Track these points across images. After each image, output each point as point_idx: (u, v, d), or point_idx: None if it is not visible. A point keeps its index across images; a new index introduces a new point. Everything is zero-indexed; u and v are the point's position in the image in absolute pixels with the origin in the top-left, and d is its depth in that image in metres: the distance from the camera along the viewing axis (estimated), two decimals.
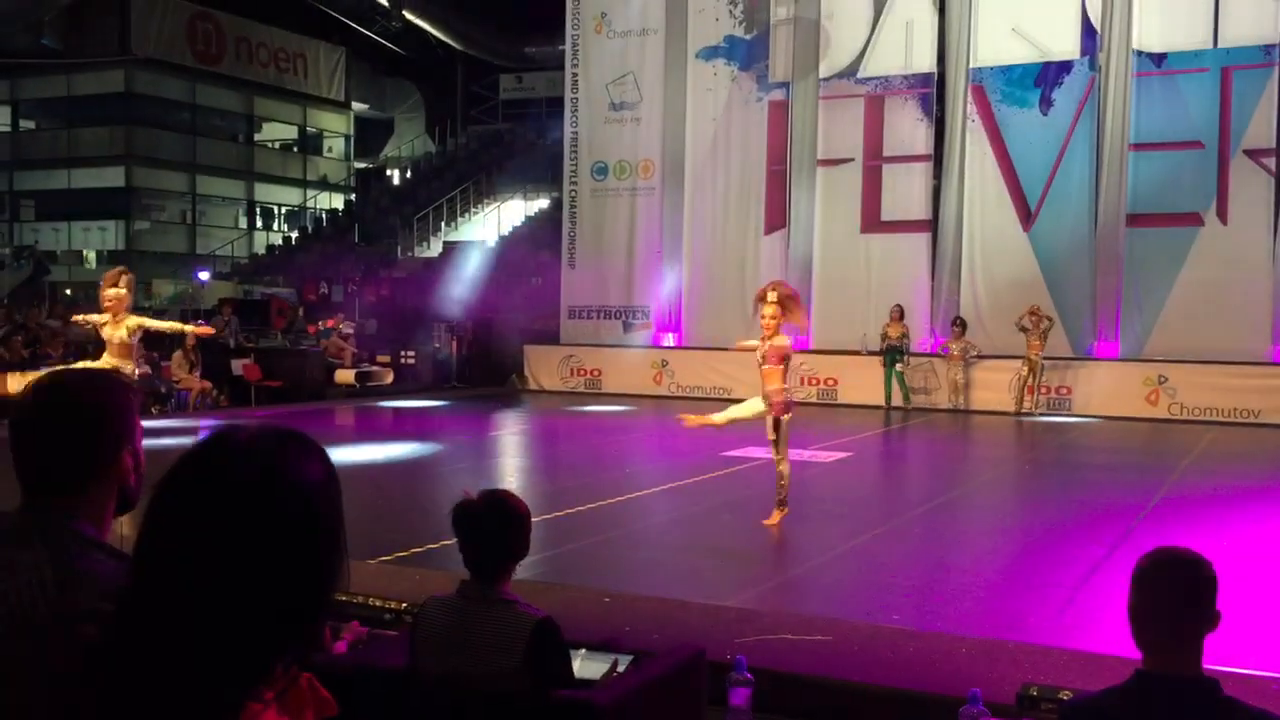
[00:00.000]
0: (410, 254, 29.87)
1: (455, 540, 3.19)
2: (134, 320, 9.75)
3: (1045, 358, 16.74)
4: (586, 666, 3.42)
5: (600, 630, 4.21)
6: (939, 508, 9.74)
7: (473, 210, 32.53)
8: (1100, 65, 17.59)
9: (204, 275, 28.47)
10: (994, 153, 18.34)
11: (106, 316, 9.60)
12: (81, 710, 1.37)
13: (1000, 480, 11.89)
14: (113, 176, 32.98)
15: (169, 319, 14.86)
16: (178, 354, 17.02)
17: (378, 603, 4.65)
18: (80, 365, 10.78)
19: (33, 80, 32.82)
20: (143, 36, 31.91)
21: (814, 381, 18.63)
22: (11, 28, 28.78)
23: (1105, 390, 16.95)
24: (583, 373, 20.51)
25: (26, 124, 35.07)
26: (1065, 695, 3.42)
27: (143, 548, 1.31)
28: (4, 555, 1.62)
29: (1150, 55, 17.42)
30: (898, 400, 17.49)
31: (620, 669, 3.43)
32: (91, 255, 34.09)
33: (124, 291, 9.71)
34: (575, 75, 21.42)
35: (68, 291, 29.21)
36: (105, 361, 9.50)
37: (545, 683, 3.05)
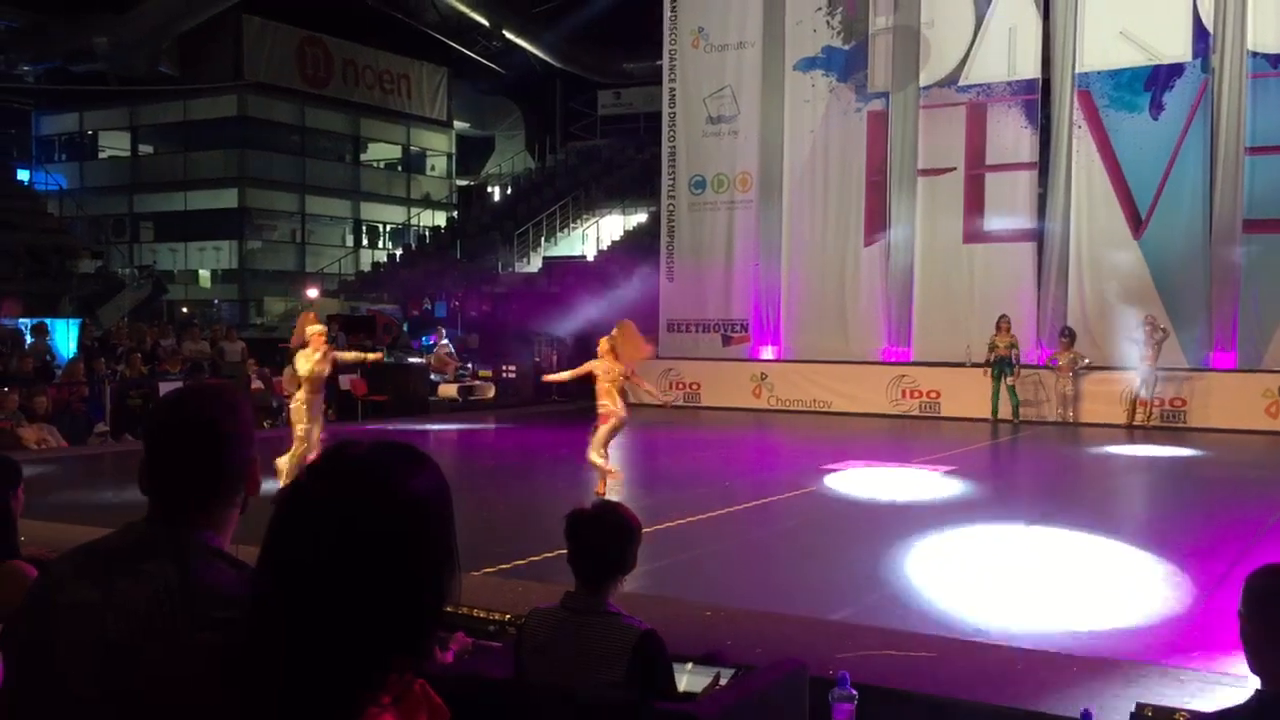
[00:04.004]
0: (511, 269, 30.27)
1: (558, 552, 3.23)
2: (333, 355, 10.32)
3: (1159, 369, 16.25)
4: (689, 680, 3.43)
5: (702, 644, 4.21)
6: (1048, 522, 9.51)
7: (572, 225, 32.87)
8: (1213, 67, 17.05)
9: (312, 293, 29.22)
10: (1102, 159, 17.89)
11: (307, 352, 9.97)
12: (208, 714, 1.42)
13: (1112, 495, 11.57)
14: (227, 198, 34.10)
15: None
16: (288, 369, 17.47)
17: (482, 614, 4.73)
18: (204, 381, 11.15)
19: (151, 107, 34.12)
20: (255, 62, 33.00)
21: (916, 394, 18.35)
22: (133, 56, 29.96)
23: (1222, 402, 16.37)
24: (681, 386, 20.53)
25: (145, 149, 36.47)
26: (1182, 717, 3.32)
27: (265, 559, 1.37)
28: (132, 565, 1.69)
29: (1266, 55, 16.83)
30: (1006, 413, 17.07)
31: (722, 682, 3.43)
32: (206, 275, 35.26)
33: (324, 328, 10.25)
34: (673, 90, 21.50)
35: (184, 310, 30.26)
36: (302, 396, 9.86)
37: (648, 695, 3.06)
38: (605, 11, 31.06)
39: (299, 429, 9.98)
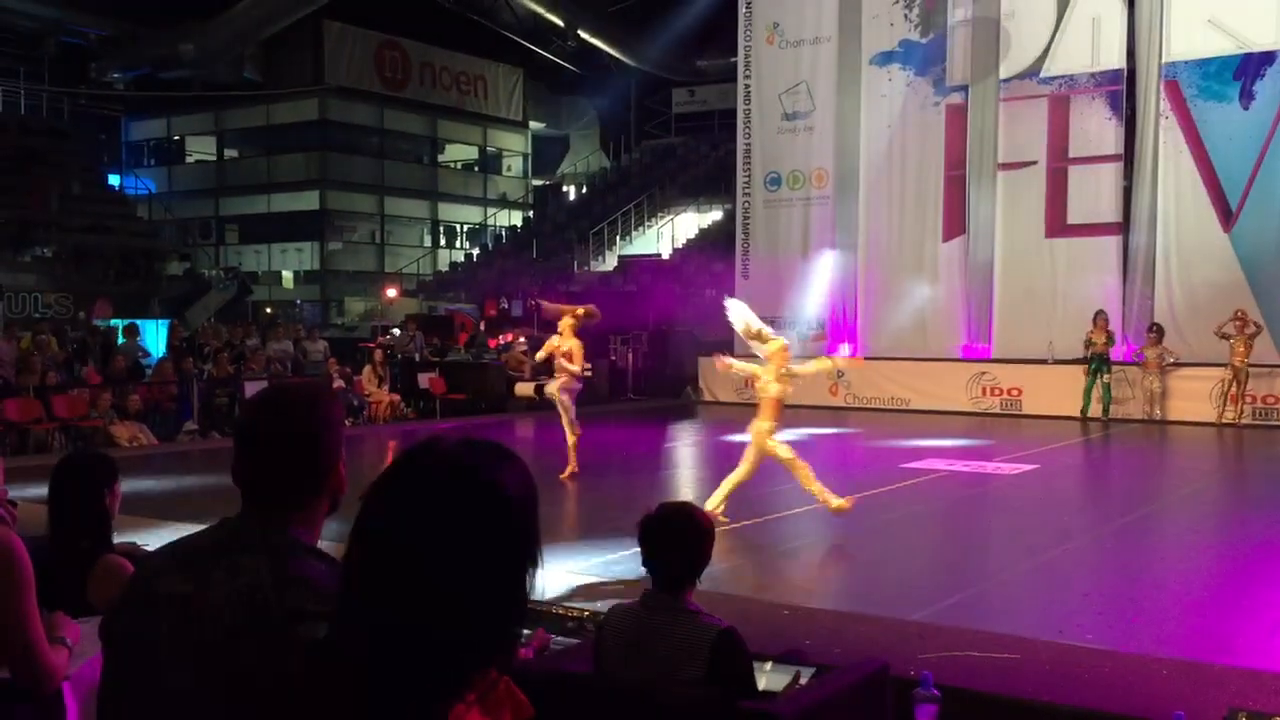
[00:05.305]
0: (587, 268, 30.40)
1: (637, 550, 3.24)
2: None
3: (1251, 365, 15.79)
4: (769, 678, 3.42)
5: (781, 642, 4.19)
6: (1135, 523, 9.31)
7: (647, 224, 32.92)
8: None
9: (391, 293, 29.65)
10: (1190, 150, 17.43)
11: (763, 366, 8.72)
12: (299, 705, 1.45)
13: (1202, 494, 11.27)
14: (308, 200, 34.72)
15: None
16: (368, 369, 17.79)
17: (562, 611, 4.76)
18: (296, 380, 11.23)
19: (235, 111, 34.87)
20: (335, 67, 33.57)
21: (997, 392, 18.05)
22: (218, 63, 30.70)
23: None
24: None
25: (230, 152, 37.29)
26: None
27: (353, 554, 1.39)
28: (226, 560, 1.73)
29: None
30: (1096, 411, 16.72)
31: (803, 681, 3.42)
32: (289, 275, 35.94)
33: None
34: (748, 87, 21.42)
35: (268, 310, 30.89)
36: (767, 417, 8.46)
37: (728, 692, 3.06)
38: (680, 9, 31.05)
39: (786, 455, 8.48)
